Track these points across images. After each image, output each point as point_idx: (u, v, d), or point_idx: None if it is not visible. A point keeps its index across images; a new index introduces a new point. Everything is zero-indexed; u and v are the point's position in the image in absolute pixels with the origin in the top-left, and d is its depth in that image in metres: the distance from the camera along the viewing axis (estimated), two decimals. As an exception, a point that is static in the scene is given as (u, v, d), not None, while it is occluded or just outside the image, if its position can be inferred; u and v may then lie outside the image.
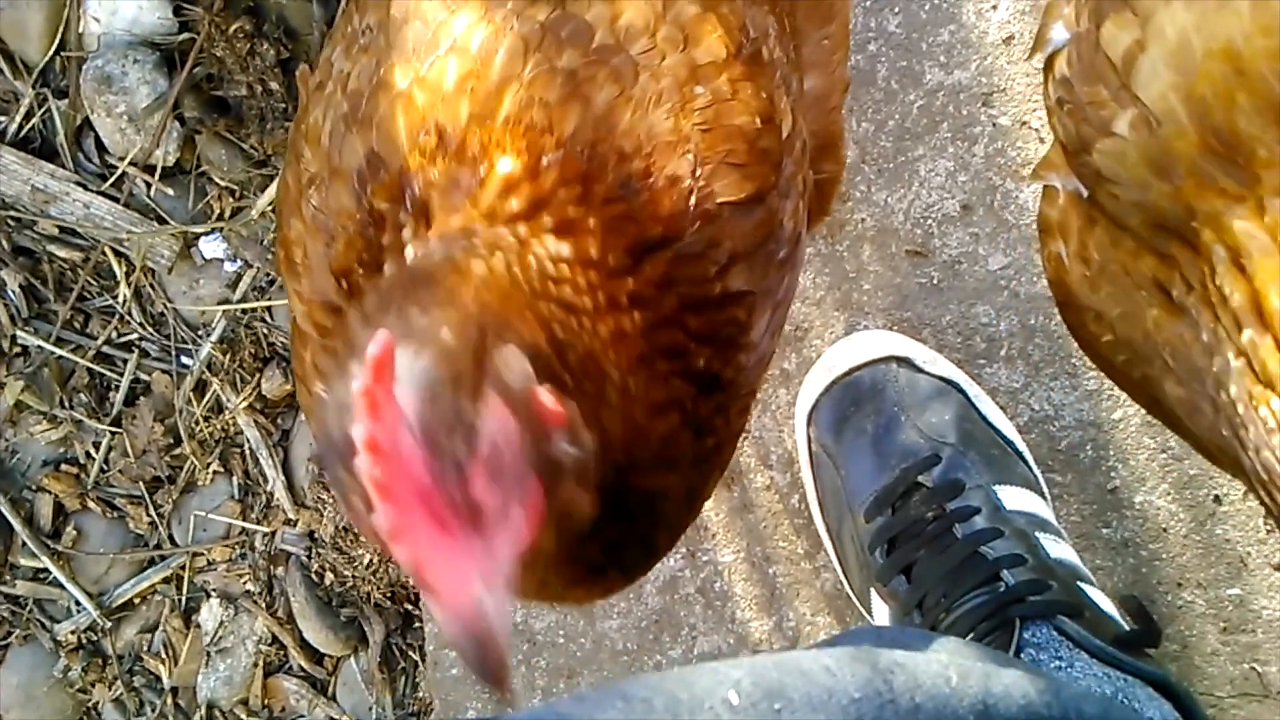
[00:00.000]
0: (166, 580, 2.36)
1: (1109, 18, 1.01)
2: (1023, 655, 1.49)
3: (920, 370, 1.77)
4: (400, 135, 1.09)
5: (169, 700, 2.37)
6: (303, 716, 2.33)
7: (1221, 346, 0.95)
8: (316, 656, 2.31)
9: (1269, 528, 1.80)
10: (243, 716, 2.34)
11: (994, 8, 1.85)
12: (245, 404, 2.26)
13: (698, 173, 1.09)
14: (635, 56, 1.09)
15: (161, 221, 2.26)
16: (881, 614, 1.73)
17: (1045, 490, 1.78)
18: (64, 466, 2.38)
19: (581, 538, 0.99)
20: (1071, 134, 1.07)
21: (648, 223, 1.07)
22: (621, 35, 1.10)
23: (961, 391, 1.77)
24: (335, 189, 1.12)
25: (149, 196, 2.27)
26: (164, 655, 2.38)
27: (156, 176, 2.24)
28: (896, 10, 1.87)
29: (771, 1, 1.24)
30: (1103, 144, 1.02)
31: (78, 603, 2.39)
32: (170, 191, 2.26)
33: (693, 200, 1.09)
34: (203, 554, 2.34)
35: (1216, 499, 1.81)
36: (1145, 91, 0.98)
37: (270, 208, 2.18)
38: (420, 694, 2.24)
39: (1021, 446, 1.79)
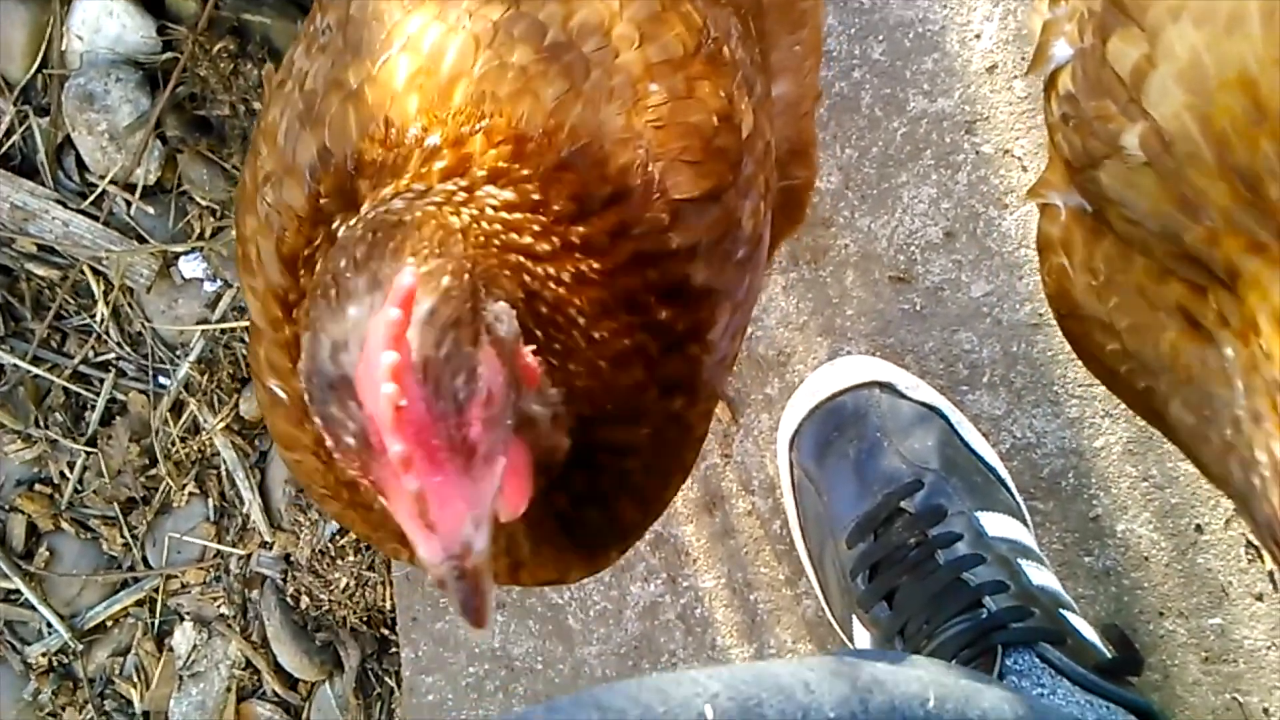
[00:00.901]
0: (139, 603, 2.33)
1: (1115, 33, 1.01)
2: (1005, 682, 1.48)
3: (903, 396, 1.77)
4: (351, 131, 1.09)
5: (140, 725, 2.34)
6: (276, 742, 2.30)
7: (1254, 397, 0.94)
8: (291, 681, 2.28)
9: (1250, 557, 1.80)
10: (215, 742, 2.31)
11: (977, 36, 1.85)
12: (222, 425, 2.24)
13: (649, 165, 1.08)
14: (588, 54, 1.09)
15: (141, 240, 2.25)
16: (863, 641, 1.72)
17: (1027, 517, 1.78)
18: (38, 486, 2.35)
19: (549, 486, 1.02)
20: (1078, 149, 1.07)
21: (593, 179, 1.06)
22: (575, 33, 1.09)
23: (944, 418, 1.77)
24: (288, 186, 1.12)
25: (129, 215, 2.26)
26: (136, 679, 2.34)
27: (137, 195, 2.23)
28: (881, 38, 1.88)
29: (735, 4, 1.24)
30: (1112, 168, 1.03)
31: (49, 625, 2.35)
32: (150, 210, 2.25)
33: (646, 170, 1.08)
34: (177, 576, 2.31)
35: (1198, 528, 1.81)
36: (1158, 109, 0.98)
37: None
38: (396, 720, 2.22)
39: (1004, 473, 1.78)
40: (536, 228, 0.99)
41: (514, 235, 0.97)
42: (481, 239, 0.94)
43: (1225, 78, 0.94)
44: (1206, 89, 0.94)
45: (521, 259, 0.97)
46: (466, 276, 0.86)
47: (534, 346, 0.95)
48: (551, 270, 0.98)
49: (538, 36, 1.09)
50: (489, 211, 0.97)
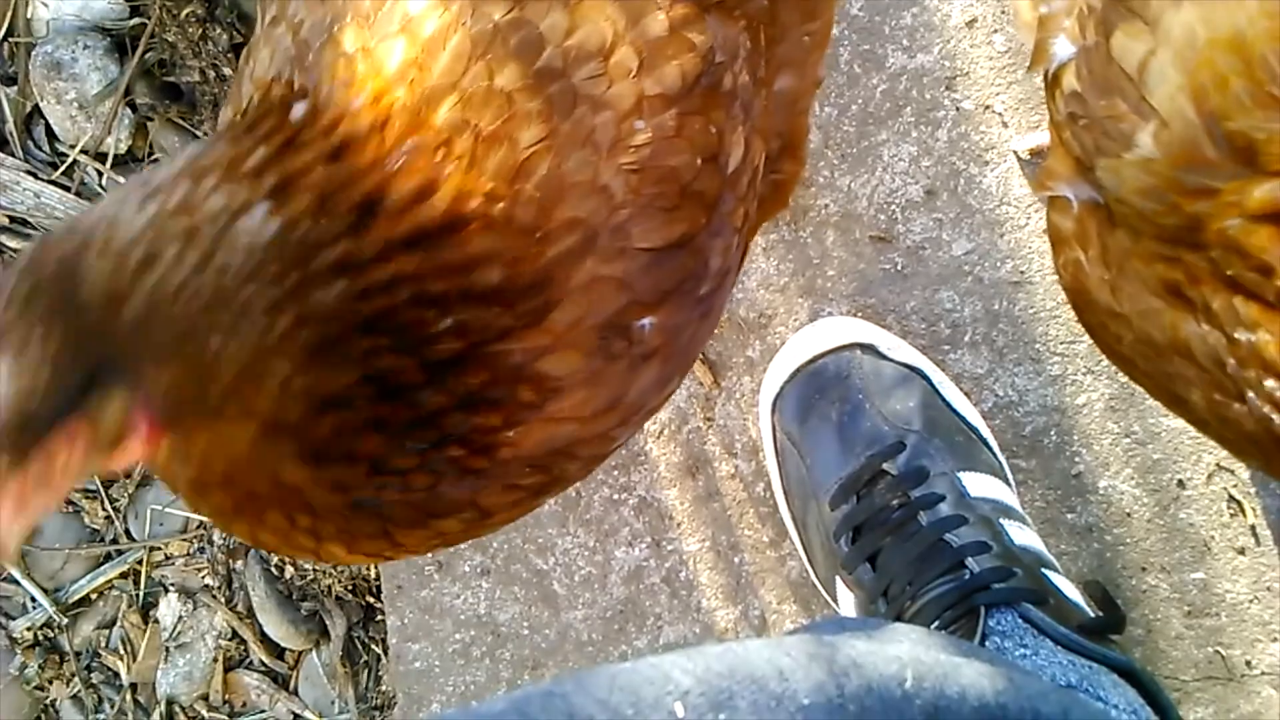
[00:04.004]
0: (124, 575, 2.33)
1: (1118, 28, 0.99)
2: (988, 643, 1.49)
3: (884, 357, 1.76)
4: (327, 75, 1.04)
5: (128, 696, 2.34)
6: (264, 711, 2.30)
7: (1246, 317, 0.94)
8: (277, 651, 2.28)
9: (1232, 511, 1.81)
10: (203, 712, 2.31)
11: (956, -10, 1.83)
12: (202, 396, 2.23)
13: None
14: (577, 85, 1.03)
15: (114, 210, 2.22)
16: (847, 602, 1.73)
17: (1010, 476, 1.78)
18: (17, 461, 2.34)
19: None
20: (1089, 149, 1.04)
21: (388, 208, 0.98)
22: (570, 56, 1.03)
23: (925, 378, 1.76)
24: None
25: (101, 185, 2.23)
26: (122, 651, 2.34)
27: (108, 165, 2.20)
28: (855, -36, 1.85)
29: (749, 16, 1.15)
30: (1103, 163, 1.01)
31: (33, 599, 2.35)
32: (122, 180, 2.22)
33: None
34: (160, 548, 2.31)
35: (1180, 484, 1.81)
36: (1154, 96, 0.96)
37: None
38: (383, 687, 2.22)
39: (986, 433, 1.78)
40: (274, 269, 0.90)
41: (229, 282, 0.88)
42: (169, 299, 0.86)
43: (1215, 38, 0.92)
44: (1196, 54, 0.93)
45: (220, 316, 0.88)
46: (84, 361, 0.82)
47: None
48: (263, 321, 0.90)
49: (531, 55, 1.03)
50: (220, 260, 0.88)
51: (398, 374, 0.98)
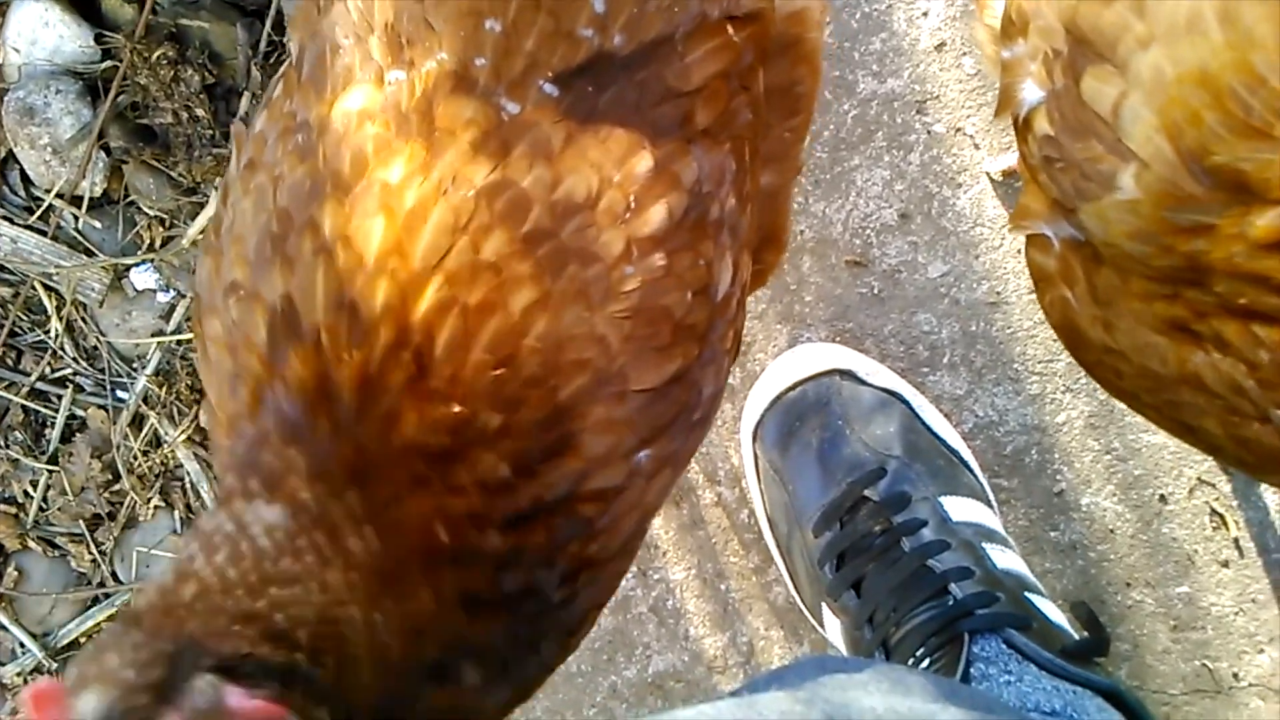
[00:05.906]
0: (111, 618, 2.32)
1: (1087, 72, 0.98)
2: (972, 669, 1.49)
3: (863, 382, 1.77)
4: (318, 296, 1.02)
5: (119, 740, 2.33)
6: (256, 751, 2.29)
7: (1269, 339, 0.95)
8: (268, 689, 2.28)
9: (1214, 525, 1.81)
10: (195, 754, 2.30)
11: (924, 14, 1.84)
12: (184, 436, 2.22)
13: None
14: (565, 239, 1.01)
15: (90, 254, 2.21)
16: (833, 627, 1.73)
17: (992, 499, 1.78)
18: (2, 506, 2.33)
19: None
20: (1068, 191, 1.04)
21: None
22: (558, 211, 1.01)
23: (905, 402, 1.77)
24: (254, 317, 1.05)
25: (77, 229, 2.22)
26: (112, 695, 2.33)
27: (84, 208, 2.19)
28: (827, 21, 1.86)
29: (735, 138, 1.12)
30: (1086, 208, 1.01)
31: (22, 645, 2.34)
32: (98, 223, 2.21)
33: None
34: (147, 591, 2.30)
35: (1162, 498, 1.82)
36: (1132, 139, 0.96)
37: (202, 235, 2.14)
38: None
39: (967, 455, 1.79)
40: (303, 542, 0.93)
41: (269, 565, 0.92)
42: (218, 592, 0.90)
43: (1183, 74, 0.92)
44: (1166, 93, 0.93)
45: (274, 591, 0.91)
46: (158, 663, 0.87)
47: (276, 683, 0.91)
48: (313, 585, 0.92)
49: (517, 219, 1.00)
50: (245, 550, 0.92)
51: (470, 588, 0.99)
